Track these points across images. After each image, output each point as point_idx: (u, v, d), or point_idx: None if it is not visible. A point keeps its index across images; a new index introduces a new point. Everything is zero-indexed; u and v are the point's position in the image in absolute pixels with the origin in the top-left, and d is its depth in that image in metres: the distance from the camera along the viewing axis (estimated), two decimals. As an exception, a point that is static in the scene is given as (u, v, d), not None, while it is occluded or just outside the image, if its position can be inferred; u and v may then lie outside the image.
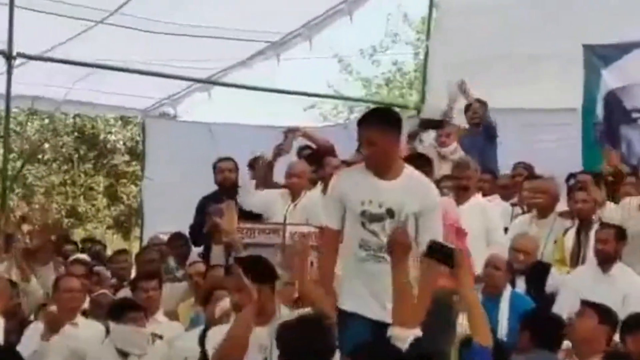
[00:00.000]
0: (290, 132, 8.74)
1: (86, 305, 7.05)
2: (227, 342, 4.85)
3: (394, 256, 4.62)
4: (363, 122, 5.05)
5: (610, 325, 5.42)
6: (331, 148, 8.60)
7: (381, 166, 4.96)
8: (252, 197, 7.84)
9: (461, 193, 7.32)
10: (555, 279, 7.11)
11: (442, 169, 8.54)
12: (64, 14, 9.65)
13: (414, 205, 4.92)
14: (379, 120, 4.99)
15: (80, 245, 9.81)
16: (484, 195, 7.92)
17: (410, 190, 4.94)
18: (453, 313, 5.27)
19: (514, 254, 7.18)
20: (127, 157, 20.63)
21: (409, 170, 5.04)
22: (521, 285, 7.06)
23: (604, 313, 5.42)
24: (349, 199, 4.98)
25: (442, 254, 4.40)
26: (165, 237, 9.08)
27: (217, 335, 5.13)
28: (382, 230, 4.90)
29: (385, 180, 4.94)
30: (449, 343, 4.92)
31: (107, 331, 6.17)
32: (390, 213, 4.90)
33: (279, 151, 8.53)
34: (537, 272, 7.14)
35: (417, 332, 4.46)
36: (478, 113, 9.20)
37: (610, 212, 7.53)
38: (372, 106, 21.55)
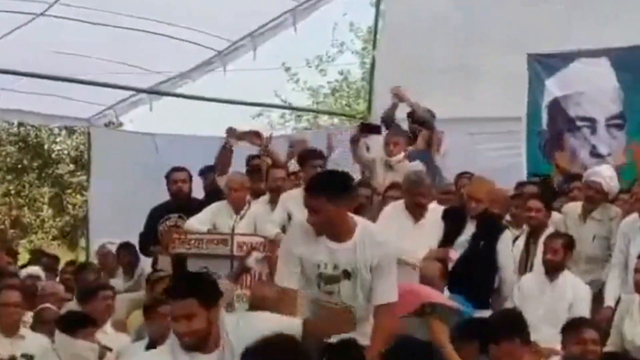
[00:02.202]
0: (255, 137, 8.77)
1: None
2: None
3: None
4: (307, 189, 4.97)
5: (521, 335, 5.36)
6: (284, 164, 8.63)
7: (328, 232, 4.89)
8: (199, 222, 7.78)
9: (417, 210, 7.35)
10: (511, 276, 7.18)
11: (388, 177, 8.56)
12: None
13: (370, 262, 4.89)
14: (321, 188, 4.85)
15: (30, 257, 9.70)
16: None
17: (364, 249, 4.89)
18: None
19: (467, 200, 7.25)
20: (72, 167, 20.41)
21: (361, 226, 4.96)
22: (471, 229, 7.14)
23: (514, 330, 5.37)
24: (305, 260, 4.90)
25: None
26: (112, 247, 9.00)
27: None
28: (338, 291, 4.89)
29: (338, 243, 4.88)
30: None
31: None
32: (347, 274, 4.88)
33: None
34: (487, 224, 7.19)
35: None
36: (422, 117, 9.18)
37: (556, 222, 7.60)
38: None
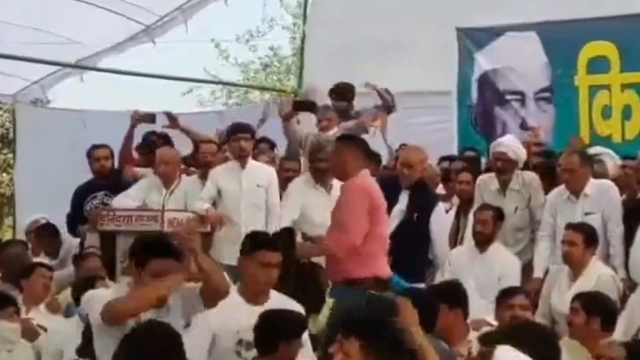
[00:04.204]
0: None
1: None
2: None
3: None
4: (273, 245, 5.01)
5: (453, 303, 5.36)
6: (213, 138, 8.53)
7: (266, 291, 4.96)
8: (128, 198, 7.64)
9: (322, 178, 7.05)
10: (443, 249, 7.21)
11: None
12: None
13: None
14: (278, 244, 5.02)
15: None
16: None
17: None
18: None
19: (400, 168, 7.21)
20: (-3, 145, 20.02)
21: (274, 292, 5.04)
22: (404, 200, 7.14)
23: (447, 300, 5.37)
24: (223, 331, 4.86)
25: None
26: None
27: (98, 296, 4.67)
28: None
29: (258, 306, 4.88)
30: None
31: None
32: None
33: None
34: (421, 196, 7.18)
35: None
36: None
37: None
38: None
